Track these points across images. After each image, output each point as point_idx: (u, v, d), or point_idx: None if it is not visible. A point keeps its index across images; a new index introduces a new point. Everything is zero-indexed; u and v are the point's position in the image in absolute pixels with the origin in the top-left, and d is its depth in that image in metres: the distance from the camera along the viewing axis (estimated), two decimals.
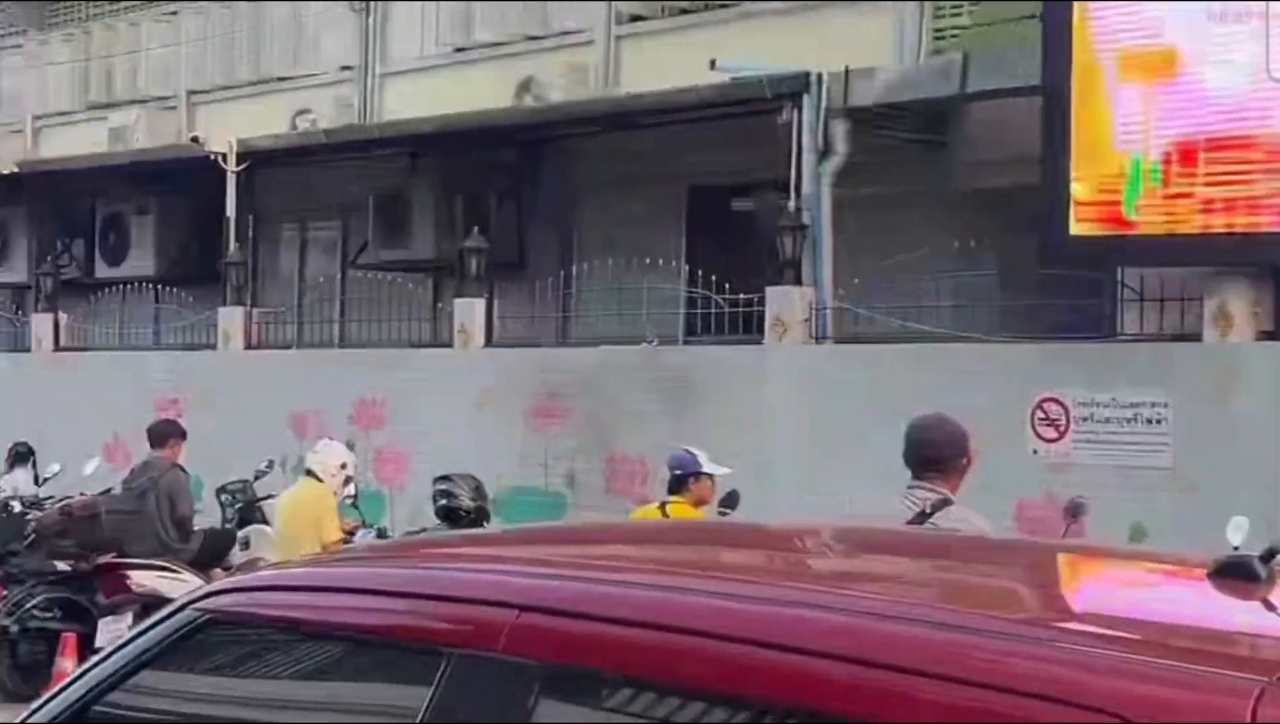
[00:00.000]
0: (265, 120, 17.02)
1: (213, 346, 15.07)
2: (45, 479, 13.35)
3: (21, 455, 14.95)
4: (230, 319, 14.93)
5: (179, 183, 16.78)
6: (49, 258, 16.76)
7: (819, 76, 11.95)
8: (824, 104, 11.90)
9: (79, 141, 19.49)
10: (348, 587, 2.68)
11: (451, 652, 2.33)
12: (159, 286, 16.20)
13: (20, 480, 14.67)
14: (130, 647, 2.78)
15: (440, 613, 2.45)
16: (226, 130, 16.65)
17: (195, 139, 14.68)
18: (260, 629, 2.71)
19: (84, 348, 16.17)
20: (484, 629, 2.32)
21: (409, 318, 14.46)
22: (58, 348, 16.38)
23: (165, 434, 11.47)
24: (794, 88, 11.98)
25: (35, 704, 2.85)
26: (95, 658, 2.91)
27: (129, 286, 16.55)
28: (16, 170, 17.55)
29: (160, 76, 20.25)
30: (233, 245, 14.99)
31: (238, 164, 14.66)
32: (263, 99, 18.88)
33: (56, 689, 2.86)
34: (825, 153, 11.92)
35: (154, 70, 20.29)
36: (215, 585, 2.96)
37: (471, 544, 3.52)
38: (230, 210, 15.03)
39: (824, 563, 2.98)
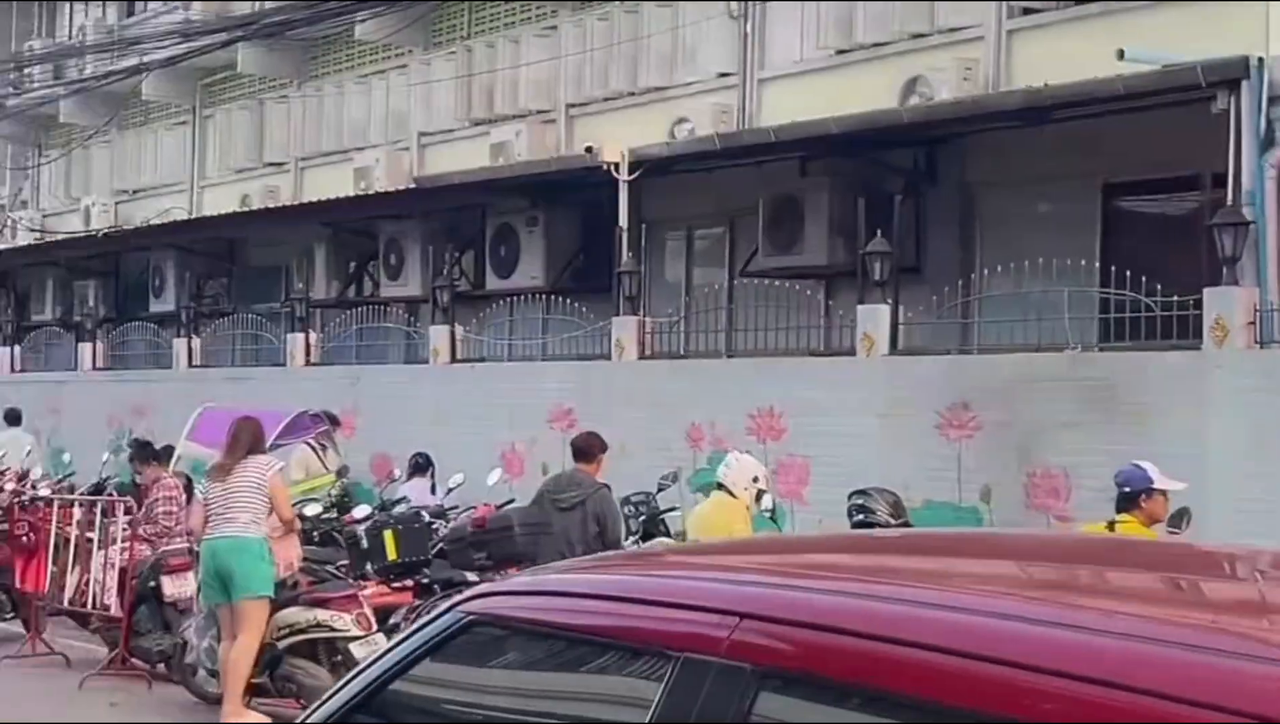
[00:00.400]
0: (643, 131, 16.96)
1: (606, 356, 14.98)
2: (449, 489, 13.46)
3: (420, 466, 15.20)
4: (624, 329, 14.80)
5: (566, 194, 16.84)
6: (444, 271, 17.02)
7: (1259, 61, 11.04)
8: (1265, 91, 10.99)
9: (462, 158, 19.86)
10: (591, 592, 2.87)
11: (679, 655, 2.49)
12: (548, 297, 16.26)
13: (419, 490, 14.92)
14: (402, 645, 3.05)
15: (669, 618, 2.60)
16: (605, 141, 16.67)
17: (589, 149, 14.64)
18: (513, 630, 2.90)
19: (478, 359, 16.33)
20: (707, 635, 2.49)
21: (799, 325, 14.08)
22: (454, 359, 16.59)
23: (591, 448, 11.09)
24: (1231, 74, 11.10)
25: (323, 696, 3.16)
26: (376, 653, 3.19)
27: (517, 298, 16.69)
28: (411, 185, 17.93)
29: (540, 91, 20.49)
30: (625, 254, 14.87)
31: (629, 173, 14.54)
32: (640, 110, 18.88)
33: (339, 683, 3.14)
34: (1267, 143, 11.00)
35: (534, 85, 20.55)
36: (477, 589, 3.15)
37: (711, 553, 3.65)
38: (622, 219, 14.93)
39: (1060, 576, 2.89)
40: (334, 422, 15.90)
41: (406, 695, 2.98)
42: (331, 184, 22.03)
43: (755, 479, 10.44)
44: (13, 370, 23.83)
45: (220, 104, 27.89)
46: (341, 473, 14.26)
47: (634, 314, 14.86)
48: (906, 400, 12.52)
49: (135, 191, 29.30)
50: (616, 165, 14.68)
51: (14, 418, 20.59)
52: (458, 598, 3.06)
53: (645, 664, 2.58)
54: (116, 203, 29.12)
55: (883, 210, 13.65)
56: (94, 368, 21.91)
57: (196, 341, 20.22)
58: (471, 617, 2.92)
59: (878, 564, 3.07)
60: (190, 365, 20.18)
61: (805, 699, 2.39)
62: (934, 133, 14.44)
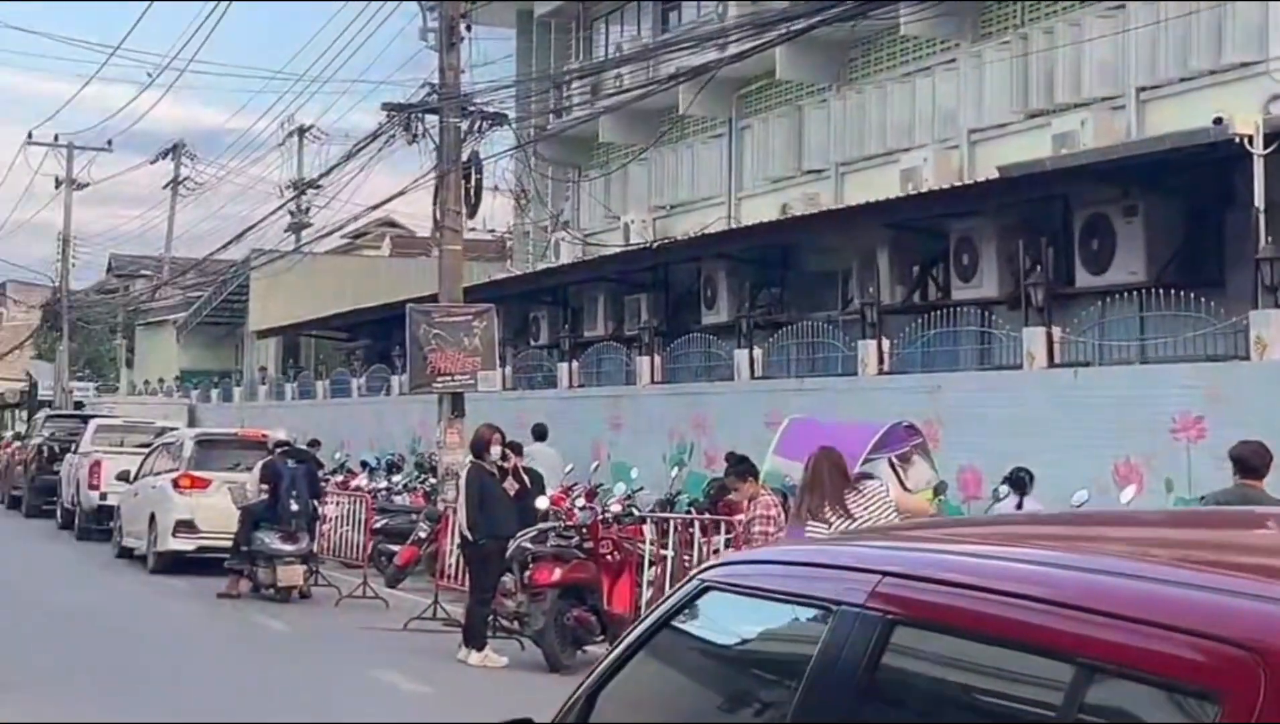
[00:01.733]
0: (1230, 109, 15.24)
1: (1239, 356, 13.35)
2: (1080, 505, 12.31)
3: (1019, 481, 14.09)
4: (1265, 324, 13.10)
5: (1167, 178, 15.35)
6: (1027, 268, 15.84)
7: None
8: None
9: (1016, 152, 18.69)
10: (786, 560, 3.49)
11: (834, 608, 2.98)
12: (1147, 293, 14.84)
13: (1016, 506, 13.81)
14: (656, 610, 3.62)
15: (828, 577, 3.10)
16: (1186, 123, 15.17)
17: (1218, 120, 13.10)
18: (740, 595, 3.37)
19: (1081, 363, 15.02)
20: (856, 589, 2.94)
21: None
22: (1051, 364, 15.41)
23: (1261, 460, 9.50)
24: None
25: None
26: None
27: (1110, 296, 15.36)
28: (975, 180, 16.85)
29: (1107, 75, 19.09)
30: (1264, 239, 13.21)
31: (1265, 146, 12.94)
32: (1221, 89, 17.22)
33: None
34: None
35: (1099, 70, 19.18)
36: (717, 559, 3.89)
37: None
38: (1257, 199, 13.29)
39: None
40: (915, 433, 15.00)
41: (642, 660, 3.55)
42: (875, 188, 21.33)
43: None
44: (570, 386, 24.21)
45: (756, 114, 27.72)
46: (939, 490, 13.34)
47: (1276, 307, 13.08)
48: None
49: (673, 207, 29.56)
50: (1250, 138, 13.10)
51: (541, 433, 20.82)
52: (701, 567, 3.69)
53: (816, 617, 3.05)
54: (655, 219, 29.43)
55: None
56: (652, 382, 21.88)
57: (758, 352, 19.78)
58: (705, 584, 3.45)
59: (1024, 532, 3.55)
60: (753, 376, 19.77)
61: (928, 646, 2.79)
62: None
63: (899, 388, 16.84)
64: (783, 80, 26.03)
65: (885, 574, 2.89)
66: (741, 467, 12.58)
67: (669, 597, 3.60)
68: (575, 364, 24.30)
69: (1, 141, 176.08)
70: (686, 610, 3.48)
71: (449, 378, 20.74)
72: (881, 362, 17.61)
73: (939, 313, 17.56)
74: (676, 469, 19.72)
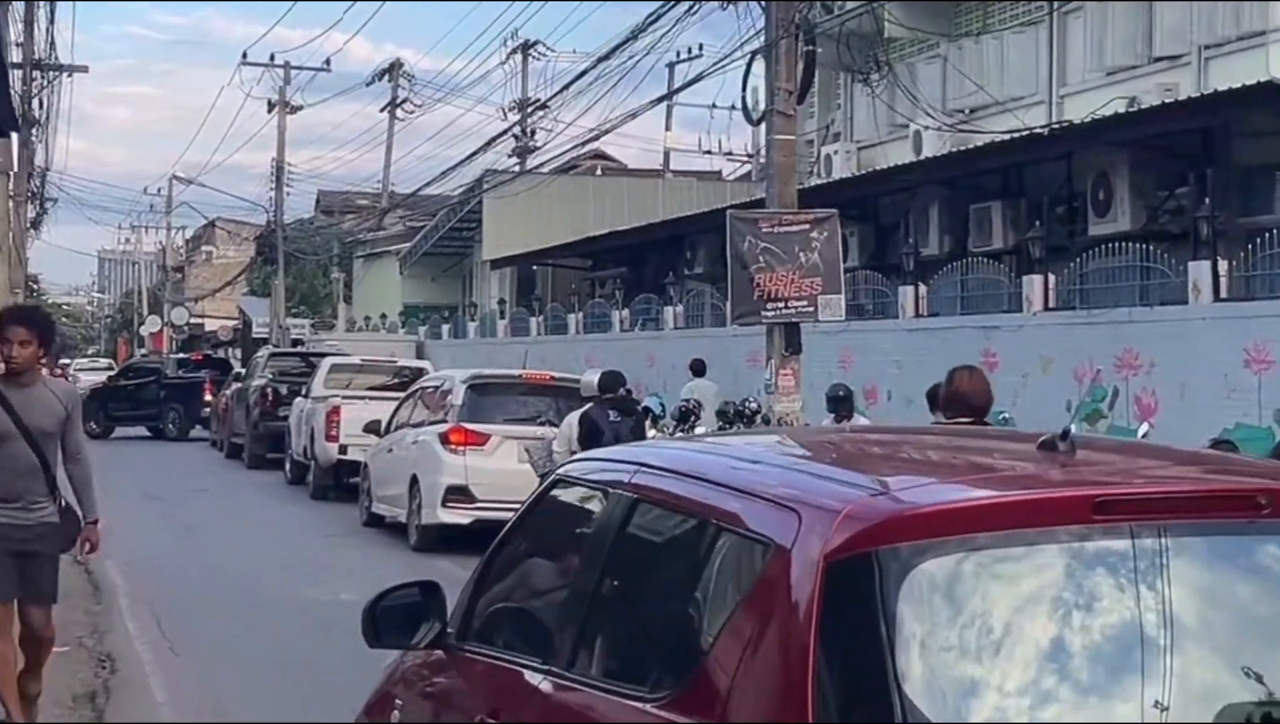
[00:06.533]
0: None
1: None
2: None
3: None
4: None
5: None
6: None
7: None
8: None
9: None
10: (616, 457, 4.34)
11: (610, 491, 3.99)
12: None
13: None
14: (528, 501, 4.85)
15: (617, 471, 4.11)
16: None
17: None
18: (573, 485, 4.36)
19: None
20: (623, 477, 3.90)
21: None
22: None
23: None
24: None
25: None
26: None
27: None
28: None
29: None
30: None
31: None
32: None
33: None
34: None
35: None
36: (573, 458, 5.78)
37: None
38: None
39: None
40: None
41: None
42: (1256, 73, 16.25)
43: None
44: (917, 313, 19.36)
45: None
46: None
47: None
48: None
49: (973, 111, 24.73)
50: None
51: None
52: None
53: (602, 499, 4.01)
54: (954, 125, 24.58)
55: None
56: (1045, 308, 16.89)
57: (1222, 265, 14.66)
58: (558, 477, 4.47)
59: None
60: (1217, 298, 14.66)
61: (647, 515, 3.77)
62: None
63: None
64: None
65: (639, 465, 3.90)
66: None
67: (537, 489, 4.68)
68: (921, 288, 19.43)
69: (207, 80, 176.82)
70: (543, 499, 4.44)
71: (781, 305, 16.11)
72: None
73: None
74: (1087, 422, 14.91)
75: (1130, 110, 18.61)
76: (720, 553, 3.29)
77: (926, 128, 25.66)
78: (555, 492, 4.33)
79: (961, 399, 6.80)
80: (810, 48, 16.86)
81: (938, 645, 2.82)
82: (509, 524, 4.54)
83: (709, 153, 52.39)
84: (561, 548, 4.31)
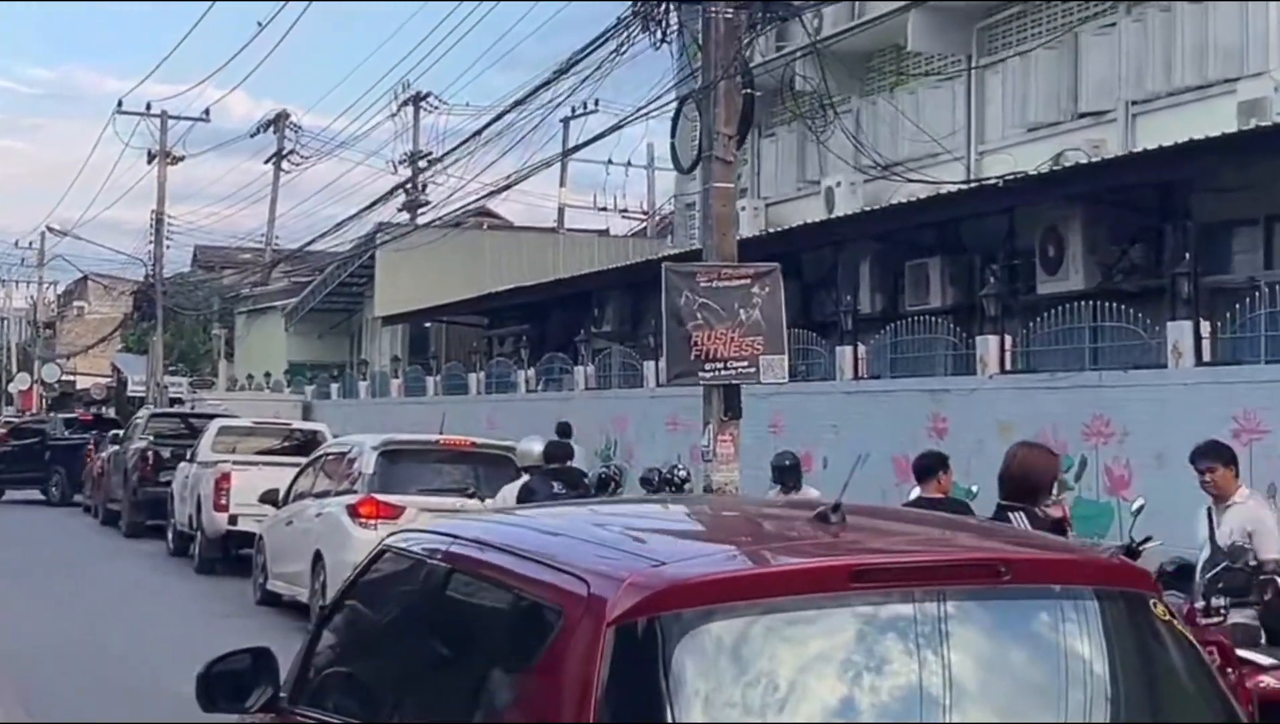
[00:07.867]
0: None
1: None
2: None
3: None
4: None
5: None
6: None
7: None
8: None
9: None
10: (437, 530, 4.47)
11: (429, 562, 4.26)
12: None
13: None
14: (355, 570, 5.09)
15: (437, 542, 4.34)
16: None
17: None
18: (398, 556, 4.43)
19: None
20: (440, 549, 4.17)
21: None
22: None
23: None
24: None
25: None
26: None
27: None
28: None
29: None
30: None
31: None
32: None
33: None
34: None
35: None
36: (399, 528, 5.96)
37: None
38: None
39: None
40: None
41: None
42: (1188, 130, 15.46)
43: None
44: (855, 376, 18.19)
45: (1007, 47, 22.06)
46: None
47: None
48: None
49: (887, 167, 23.89)
50: None
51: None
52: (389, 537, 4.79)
53: (424, 570, 4.18)
54: (865, 181, 23.79)
55: None
56: (1001, 370, 15.80)
57: (1204, 326, 13.61)
58: (384, 547, 4.52)
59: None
60: (1199, 362, 13.61)
61: (461, 584, 3.97)
62: None
63: None
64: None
65: (454, 537, 4.15)
66: None
67: (364, 558, 4.67)
68: (860, 349, 18.30)
69: (78, 134, 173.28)
70: (370, 568, 4.54)
71: (720, 365, 14.89)
72: None
73: None
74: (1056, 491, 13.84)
75: (1086, 161, 17.66)
76: (520, 618, 3.56)
77: (838, 183, 24.85)
78: (381, 562, 4.47)
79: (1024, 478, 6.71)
80: (748, 90, 15.77)
81: (721, 702, 3.06)
82: (339, 591, 4.79)
83: (604, 210, 51.44)
84: (386, 614, 4.49)
